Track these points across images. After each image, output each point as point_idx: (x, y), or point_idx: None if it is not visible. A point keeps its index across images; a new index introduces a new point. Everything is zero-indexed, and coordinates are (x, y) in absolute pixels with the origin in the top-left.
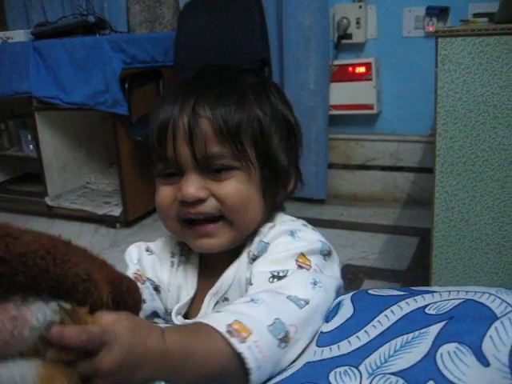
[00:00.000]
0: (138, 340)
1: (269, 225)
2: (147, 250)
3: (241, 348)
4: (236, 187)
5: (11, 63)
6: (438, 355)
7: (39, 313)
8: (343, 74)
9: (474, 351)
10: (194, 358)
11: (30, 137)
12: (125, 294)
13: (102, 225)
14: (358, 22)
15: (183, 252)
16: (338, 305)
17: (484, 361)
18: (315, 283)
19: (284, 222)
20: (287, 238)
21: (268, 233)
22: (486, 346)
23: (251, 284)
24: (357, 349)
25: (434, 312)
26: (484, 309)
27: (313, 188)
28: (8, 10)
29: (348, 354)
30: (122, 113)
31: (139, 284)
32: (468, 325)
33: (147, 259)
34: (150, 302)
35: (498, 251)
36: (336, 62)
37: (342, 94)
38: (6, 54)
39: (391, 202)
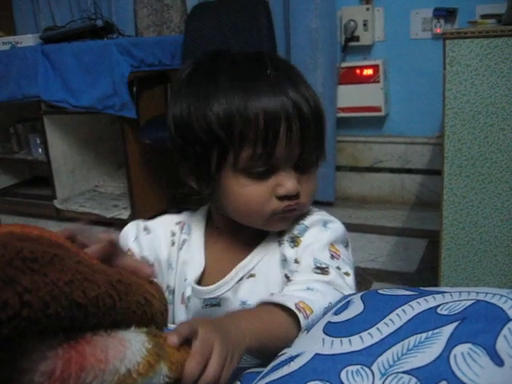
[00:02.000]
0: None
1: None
2: (145, 229)
3: (303, 323)
4: (314, 183)
5: (20, 67)
6: (452, 356)
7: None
8: (351, 77)
9: (487, 351)
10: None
11: (38, 140)
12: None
13: (110, 228)
14: (365, 25)
15: (184, 231)
16: (348, 302)
17: (498, 360)
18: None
19: (312, 210)
20: (321, 228)
21: (306, 218)
22: (500, 346)
23: (296, 271)
24: (369, 346)
25: (445, 312)
26: (496, 309)
27: (321, 190)
28: (17, 15)
29: (360, 351)
30: (130, 116)
31: None
32: (481, 325)
33: (144, 239)
34: None
35: (508, 253)
36: (343, 65)
37: (349, 96)
38: (15, 58)
39: (399, 204)
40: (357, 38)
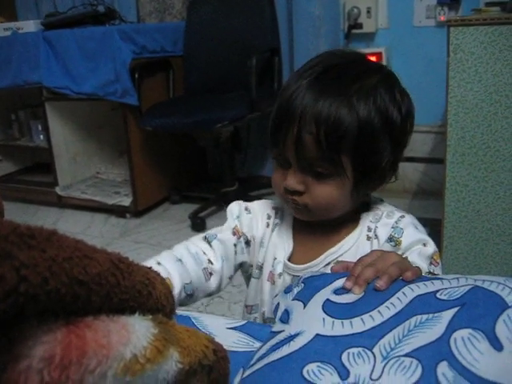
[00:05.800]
0: None
1: (393, 211)
2: (246, 209)
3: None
4: (328, 191)
5: (22, 54)
6: (452, 340)
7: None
8: None
9: (487, 335)
10: None
11: (40, 127)
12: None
13: (112, 215)
14: (368, 12)
15: (277, 216)
16: None
17: (497, 345)
18: None
19: (402, 213)
20: (415, 231)
21: (400, 221)
22: (500, 329)
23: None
24: (370, 329)
25: (445, 297)
26: (495, 297)
27: None
28: (18, 1)
29: (361, 333)
30: (132, 103)
31: (235, 237)
32: (480, 310)
33: (245, 217)
34: (240, 254)
35: (509, 242)
36: None
37: None
38: (17, 44)
39: (401, 193)
40: (360, 26)
